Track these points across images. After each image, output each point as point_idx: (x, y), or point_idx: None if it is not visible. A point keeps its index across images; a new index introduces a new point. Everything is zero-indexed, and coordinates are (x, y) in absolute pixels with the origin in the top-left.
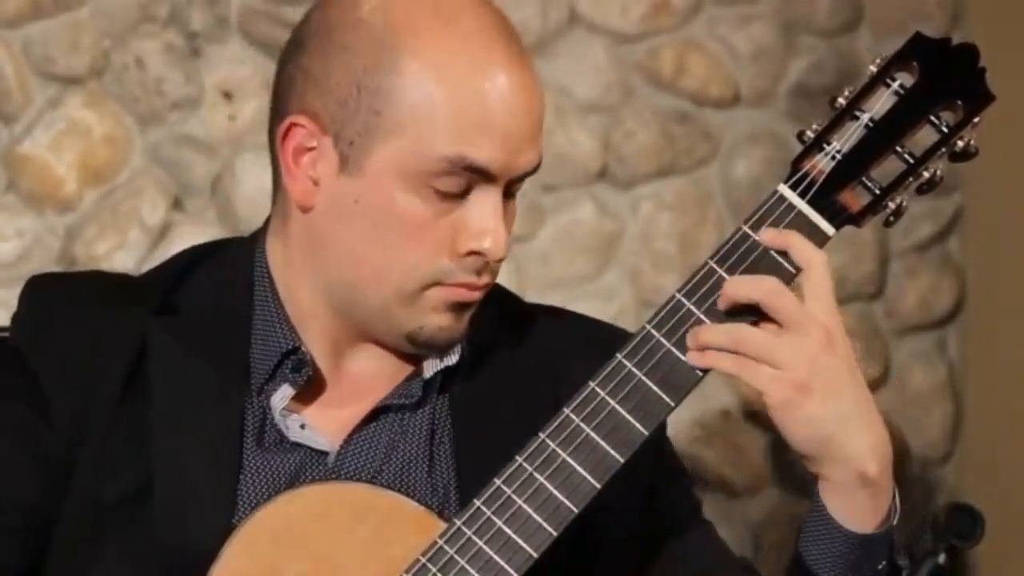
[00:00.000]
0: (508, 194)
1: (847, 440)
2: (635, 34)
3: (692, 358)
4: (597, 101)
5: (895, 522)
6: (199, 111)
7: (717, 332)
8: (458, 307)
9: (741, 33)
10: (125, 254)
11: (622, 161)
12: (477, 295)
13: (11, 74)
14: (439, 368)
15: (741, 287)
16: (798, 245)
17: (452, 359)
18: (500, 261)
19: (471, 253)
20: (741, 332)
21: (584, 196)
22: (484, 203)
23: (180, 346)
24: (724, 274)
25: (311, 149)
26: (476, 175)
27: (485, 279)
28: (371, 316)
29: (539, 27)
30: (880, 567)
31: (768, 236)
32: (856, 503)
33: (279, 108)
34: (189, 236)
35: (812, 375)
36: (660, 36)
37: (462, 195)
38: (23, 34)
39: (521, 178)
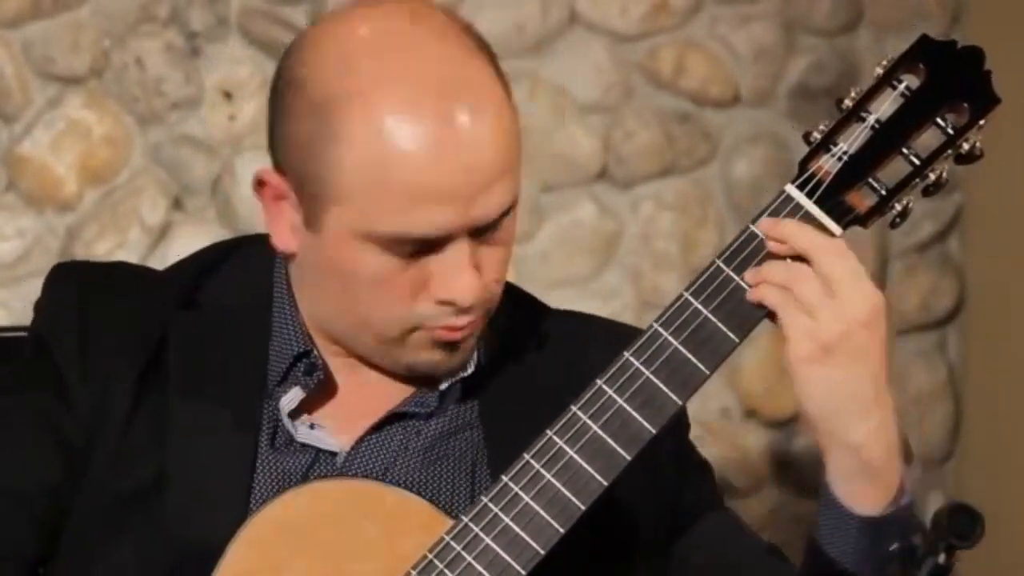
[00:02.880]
0: (490, 229)
1: (852, 418)
2: (635, 34)
3: (749, 294)
4: (597, 101)
5: (904, 502)
6: (199, 111)
7: (779, 268)
8: (446, 345)
9: (741, 33)
10: (125, 254)
11: (622, 161)
12: (460, 334)
13: (11, 74)
14: (454, 380)
15: (804, 234)
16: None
17: (467, 370)
18: (475, 307)
19: (445, 302)
20: (800, 272)
21: (584, 196)
22: (448, 255)
23: (200, 342)
24: (732, 273)
25: (287, 197)
26: (429, 241)
27: (466, 319)
28: (369, 353)
29: (539, 27)
30: (893, 548)
31: (766, 226)
32: (858, 486)
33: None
34: (189, 236)
35: (843, 341)
36: (660, 36)
37: (424, 252)
38: (23, 34)
39: (491, 223)
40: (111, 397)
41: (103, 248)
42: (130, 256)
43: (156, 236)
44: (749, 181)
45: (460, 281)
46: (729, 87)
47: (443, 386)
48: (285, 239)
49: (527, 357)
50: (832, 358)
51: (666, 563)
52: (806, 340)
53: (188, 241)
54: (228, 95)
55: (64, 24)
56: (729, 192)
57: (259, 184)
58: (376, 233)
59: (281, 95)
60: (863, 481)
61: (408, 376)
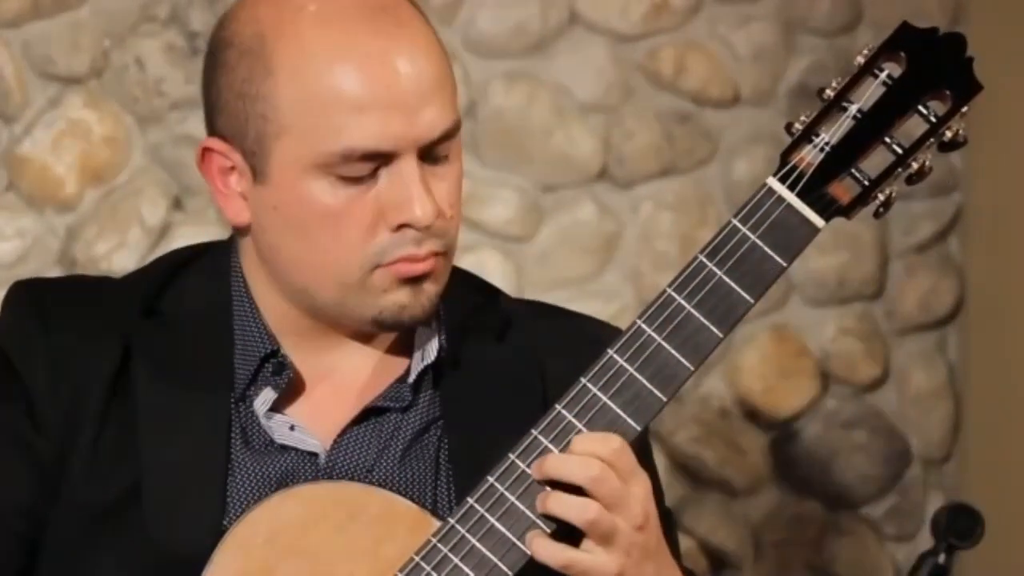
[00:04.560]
0: (435, 159)
1: None
2: (635, 34)
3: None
4: (597, 101)
5: None
6: (199, 111)
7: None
8: (410, 282)
9: (741, 33)
10: (125, 254)
11: (622, 161)
12: (422, 267)
13: (11, 74)
14: (420, 368)
15: (565, 467)
16: (582, 447)
17: (431, 356)
18: (434, 229)
19: (401, 226)
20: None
21: (584, 196)
22: (399, 174)
23: (164, 350)
24: (715, 268)
25: (232, 168)
26: (375, 159)
27: (428, 247)
28: (332, 312)
29: (539, 27)
30: None
31: (536, 470)
32: None
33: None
34: (189, 236)
35: (628, 559)
36: (660, 36)
37: (373, 174)
38: (23, 34)
39: (436, 142)
40: (80, 412)
41: (103, 248)
42: (130, 256)
43: (156, 236)
44: (749, 181)
45: (415, 201)
46: (729, 87)
47: (411, 378)
48: (237, 210)
49: (490, 348)
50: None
51: None
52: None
53: (188, 241)
54: None
55: (64, 24)
56: (729, 192)
57: (203, 156)
58: (325, 155)
59: (212, 59)
60: None
61: (380, 360)
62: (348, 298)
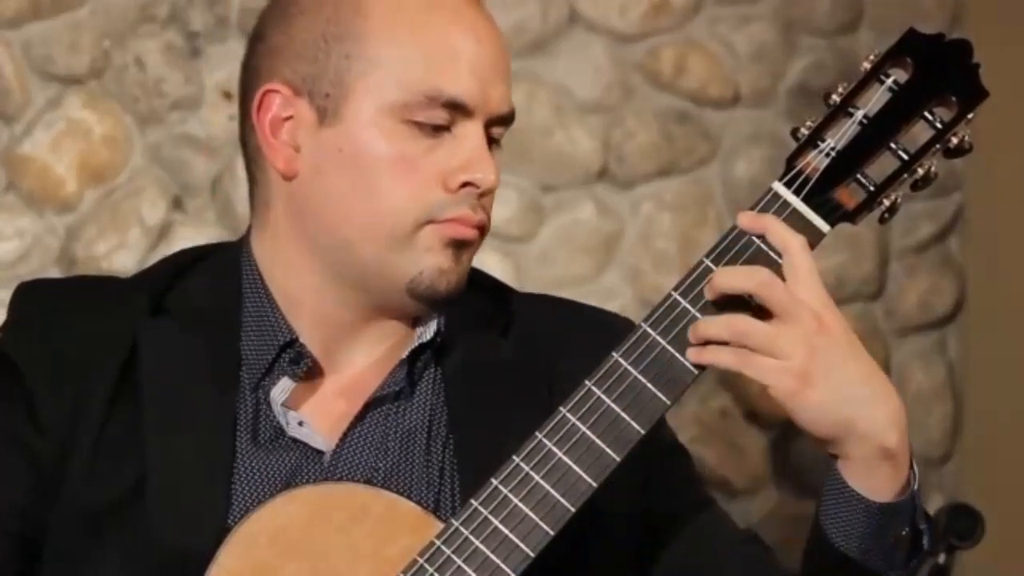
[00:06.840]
0: (490, 141)
1: (863, 418)
2: (635, 34)
3: (692, 355)
4: (597, 101)
5: (916, 487)
6: (199, 111)
7: (717, 325)
8: (455, 245)
9: (741, 33)
10: (125, 254)
11: (622, 161)
12: (473, 233)
13: (11, 74)
14: (414, 346)
15: (733, 278)
16: (775, 228)
17: (427, 335)
18: (492, 194)
19: (463, 186)
20: (742, 324)
21: (584, 196)
22: (467, 136)
23: (170, 347)
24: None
25: (288, 119)
26: (453, 110)
27: (480, 216)
28: (369, 273)
29: (539, 27)
30: (903, 533)
31: (746, 220)
32: (877, 475)
33: (248, 101)
34: (189, 236)
35: (811, 361)
36: (660, 36)
37: (443, 130)
38: (23, 34)
39: (498, 121)
40: (82, 411)
41: (103, 248)
42: (130, 256)
43: (156, 236)
44: (749, 181)
45: (482, 161)
46: (729, 87)
47: (404, 354)
48: (287, 159)
49: (495, 342)
50: (813, 380)
51: (639, 547)
52: (781, 380)
53: (188, 241)
54: (228, 95)
55: (64, 24)
56: (729, 192)
57: (262, 102)
58: (410, 92)
59: (283, 9)
60: (885, 468)
61: (385, 355)
62: (391, 253)
